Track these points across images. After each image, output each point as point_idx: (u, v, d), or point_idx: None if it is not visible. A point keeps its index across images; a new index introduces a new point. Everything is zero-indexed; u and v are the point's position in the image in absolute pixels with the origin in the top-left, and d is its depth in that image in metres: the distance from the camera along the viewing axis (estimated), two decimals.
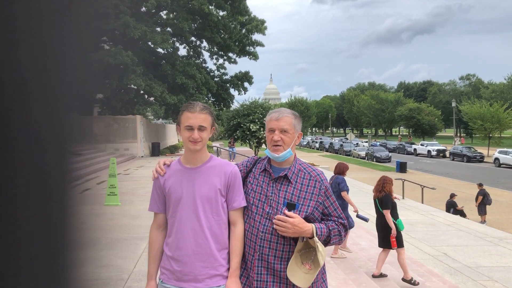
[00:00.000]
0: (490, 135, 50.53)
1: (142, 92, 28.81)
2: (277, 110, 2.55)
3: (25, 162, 0.53)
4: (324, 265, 2.59)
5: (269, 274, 2.43)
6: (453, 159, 46.16)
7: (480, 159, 43.52)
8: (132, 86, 27.14)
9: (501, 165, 38.56)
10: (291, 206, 2.42)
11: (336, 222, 2.48)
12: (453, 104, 61.35)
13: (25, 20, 0.52)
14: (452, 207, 16.23)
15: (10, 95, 0.51)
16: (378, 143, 61.71)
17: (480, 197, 16.69)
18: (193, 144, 2.38)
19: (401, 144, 59.24)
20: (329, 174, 23.41)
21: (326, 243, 2.46)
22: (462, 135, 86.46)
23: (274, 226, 2.37)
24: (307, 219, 2.44)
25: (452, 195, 16.95)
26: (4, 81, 0.51)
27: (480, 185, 17.50)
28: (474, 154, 43.98)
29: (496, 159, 39.50)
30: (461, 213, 15.55)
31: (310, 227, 2.37)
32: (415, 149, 54.12)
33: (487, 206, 16.86)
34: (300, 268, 2.36)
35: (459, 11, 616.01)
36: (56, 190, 0.57)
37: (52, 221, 0.57)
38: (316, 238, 2.35)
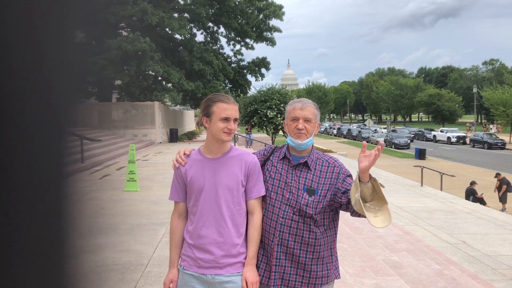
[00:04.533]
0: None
1: (160, 78, 28.95)
2: (300, 100, 2.61)
3: (20, 152, 0.53)
4: (336, 252, 2.66)
5: (287, 259, 2.49)
6: (473, 146, 45.39)
7: (502, 146, 42.68)
8: (150, 72, 27.29)
9: None
10: (311, 192, 2.50)
11: None
12: (474, 90, 60.17)
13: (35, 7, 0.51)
14: (471, 194, 16.04)
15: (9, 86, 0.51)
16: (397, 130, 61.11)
17: (504, 186, 16.50)
18: (227, 135, 2.42)
19: (420, 131, 58.51)
20: (346, 160, 23.28)
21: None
22: (483, 121, 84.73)
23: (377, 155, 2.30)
24: (332, 199, 2.51)
25: (472, 183, 16.74)
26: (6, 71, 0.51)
27: (498, 174, 17.24)
28: (495, 141, 43.15)
29: None
30: (481, 201, 15.36)
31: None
32: (434, 136, 53.38)
33: (508, 194, 16.68)
34: (370, 216, 2.30)
35: None
36: (52, 178, 0.57)
37: (49, 210, 0.57)
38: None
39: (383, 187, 2.35)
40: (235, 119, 2.43)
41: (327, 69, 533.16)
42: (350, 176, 2.59)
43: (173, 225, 2.59)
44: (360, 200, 2.27)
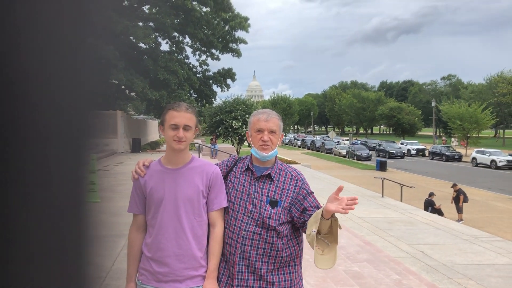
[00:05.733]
0: (468, 135, 51.44)
1: (123, 87, 28.48)
2: (264, 111, 2.60)
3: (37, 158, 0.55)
4: (300, 262, 2.64)
5: (250, 272, 2.45)
6: (432, 158, 46.87)
7: (459, 158, 44.32)
8: (113, 81, 26.81)
9: (478, 165, 39.34)
10: (273, 204, 2.47)
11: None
12: (433, 104, 62.28)
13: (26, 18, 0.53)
14: (430, 205, 16.51)
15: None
16: (359, 141, 62.33)
17: (462, 196, 17.05)
18: (177, 144, 2.36)
19: (381, 143, 59.97)
20: (310, 171, 23.55)
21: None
22: (441, 134, 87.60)
23: (350, 208, 2.25)
24: (290, 215, 2.50)
25: (431, 194, 17.24)
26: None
27: (454, 185, 17.84)
28: (452, 154, 44.77)
29: (474, 158, 40.29)
30: (439, 212, 15.83)
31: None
32: None
33: (464, 205, 17.24)
34: (316, 251, 2.33)
35: (446, 11, 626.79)
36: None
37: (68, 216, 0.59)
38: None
39: (340, 228, 2.35)
40: (186, 127, 2.37)
41: (292, 81, 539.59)
42: (311, 194, 2.57)
43: (131, 238, 2.52)
44: (315, 236, 2.28)
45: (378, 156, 47.82)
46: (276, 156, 2.64)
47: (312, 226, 2.30)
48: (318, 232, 2.31)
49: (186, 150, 2.45)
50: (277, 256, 2.47)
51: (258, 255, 2.45)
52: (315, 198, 2.57)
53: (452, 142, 62.56)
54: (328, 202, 2.30)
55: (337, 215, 2.32)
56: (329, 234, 2.34)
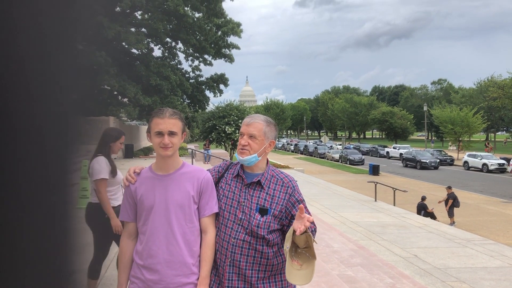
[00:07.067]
0: (460, 139, 51.78)
1: (115, 93, 28.39)
2: (251, 116, 2.58)
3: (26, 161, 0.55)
4: None
5: (240, 280, 2.42)
6: None
7: (450, 162, 44.57)
8: (106, 86, 26.72)
9: (470, 168, 39.57)
10: (263, 212, 2.44)
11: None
12: (425, 108, 62.68)
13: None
14: (423, 209, 16.58)
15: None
16: (351, 146, 62.57)
17: (451, 201, 17.11)
18: (164, 150, 2.35)
19: (374, 147, 60.20)
20: (304, 176, 23.59)
21: None
22: (433, 138, 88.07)
23: (306, 227, 2.20)
24: (280, 223, 2.47)
25: (423, 198, 17.32)
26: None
27: (449, 188, 17.95)
28: (444, 158, 45.01)
29: (465, 162, 40.52)
30: (432, 215, 15.90)
31: None
32: (387, 152, 55.03)
33: (456, 209, 17.31)
34: (293, 266, 2.28)
35: (437, 17, 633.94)
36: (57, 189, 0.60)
37: (55, 220, 0.59)
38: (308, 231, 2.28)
39: (316, 243, 2.32)
40: (171, 133, 2.35)
41: (285, 86, 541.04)
42: (301, 201, 2.51)
43: (123, 246, 2.50)
44: (288, 252, 2.25)
45: (406, 166, 41.78)
46: (267, 162, 2.60)
47: (286, 242, 2.28)
48: (298, 246, 2.29)
49: (175, 156, 2.44)
50: (267, 264, 2.44)
51: (248, 263, 2.42)
52: (305, 207, 2.50)
53: (450, 146, 62.72)
54: (295, 220, 2.27)
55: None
56: (308, 247, 2.31)
